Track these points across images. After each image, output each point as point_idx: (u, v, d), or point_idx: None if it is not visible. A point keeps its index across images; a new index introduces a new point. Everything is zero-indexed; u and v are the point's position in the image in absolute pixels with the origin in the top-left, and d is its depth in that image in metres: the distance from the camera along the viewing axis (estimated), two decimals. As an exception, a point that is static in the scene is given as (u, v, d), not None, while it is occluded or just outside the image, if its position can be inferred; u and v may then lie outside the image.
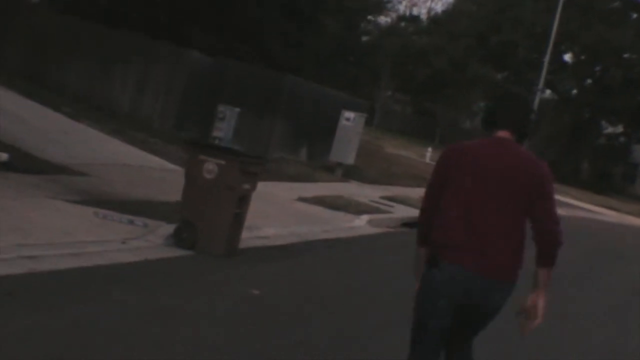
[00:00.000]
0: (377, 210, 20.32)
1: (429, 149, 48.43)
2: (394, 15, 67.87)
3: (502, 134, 5.35)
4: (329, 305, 9.75)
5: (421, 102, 65.25)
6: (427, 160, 45.83)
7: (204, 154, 11.26)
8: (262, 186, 19.88)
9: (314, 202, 19.12)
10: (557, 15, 40.98)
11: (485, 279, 5.18)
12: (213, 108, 23.26)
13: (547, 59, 40.56)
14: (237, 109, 23.40)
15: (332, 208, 18.84)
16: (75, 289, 8.20)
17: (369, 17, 38.84)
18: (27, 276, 8.12)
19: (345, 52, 34.50)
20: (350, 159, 27.37)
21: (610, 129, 67.78)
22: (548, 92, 62.67)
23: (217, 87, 24.73)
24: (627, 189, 62.83)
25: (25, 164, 13.80)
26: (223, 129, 23.14)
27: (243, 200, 11.48)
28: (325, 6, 27.97)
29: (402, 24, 68.19)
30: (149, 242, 11.18)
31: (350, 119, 27.03)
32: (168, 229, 11.59)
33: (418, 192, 25.74)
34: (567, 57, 64.02)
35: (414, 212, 22.54)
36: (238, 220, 11.44)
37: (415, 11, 73.79)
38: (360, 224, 18.12)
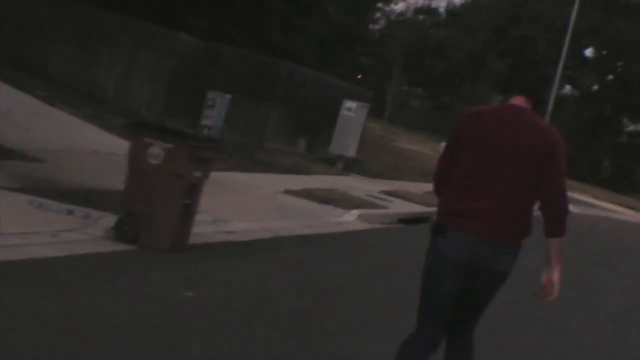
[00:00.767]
0: (372, 205, 19.00)
1: (442, 144, 46.87)
2: (410, 6, 66.57)
3: (518, 100, 5.27)
4: (267, 312, 8.35)
5: (438, 97, 63.73)
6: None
7: (149, 136, 9.91)
8: (247, 177, 18.81)
9: (302, 195, 17.82)
10: (575, 8, 39.36)
11: (489, 243, 5.15)
12: (204, 95, 21.98)
13: (564, 53, 38.94)
14: (228, 96, 22.09)
15: (321, 202, 17.56)
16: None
17: (379, 4, 37.26)
18: None
19: (352, 41, 33.02)
20: (351, 151, 26.01)
21: (632, 127, 66.01)
22: (568, 87, 61.18)
23: (210, 72, 23.43)
24: (648, 188, 61.12)
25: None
26: (212, 117, 21.87)
27: (194, 190, 10.12)
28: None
29: (420, 16, 66.68)
30: (86, 235, 9.88)
31: (351, 109, 25.67)
32: (112, 220, 10.26)
33: (421, 187, 24.46)
34: (588, 52, 62.37)
35: (413, 208, 21.27)
36: (188, 212, 10.10)
37: (433, 4, 72.34)
38: (350, 219, 16.83)
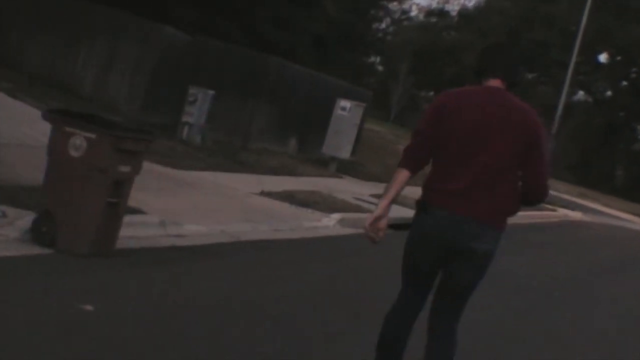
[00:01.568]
0: (357, 209, 17.76)
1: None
2: (422, 9, 65.27)
3: (493, 82, 5.33)
4: (175, 330, 7.08)
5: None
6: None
7: (70, 125, 8.68)
8: (223, 178, 17.58)
9: (279, 197, 16.61)
10: (586, 13, 38.01)
11: (473, 221, 5.19)
12: (187, 90, 20.77)
13: (573, 57, 37.62)
14: (211, 92, 20.90)
15: (300, 204, 16.35)
16: None
17: (382, 2, 35.89)
18: None
19: (353, 40, 31.72)
20: (345, 152, 24.74)
21: (646, 134, 64.64)
22: (581, 93, 59.82)
23: (194, 67, 22.23)
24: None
25: None
26: (194, 114, 20.70)
27: (120, 187, 8.87)
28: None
29: (432, 19, 65.39)
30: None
31: (346, 108, 24.42)
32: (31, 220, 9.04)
33: (420, 192, 23.16)
34: (602, 57, 60.95)
35: (406, 213, 19.99)
36: (113, 212, 8.86)
37: (447, 8, 70.99)
38: (329, 223, 15.63)
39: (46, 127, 9.33)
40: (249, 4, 24.51)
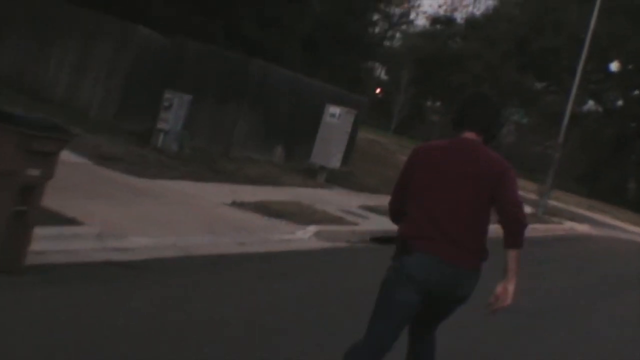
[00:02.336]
0: (339, 222, 16.59)
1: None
2: (426, 16, 64.10)
3: (469, 134, 5.49)
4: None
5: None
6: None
7: (-31, 122, 7.48)
8: (194, 187, 16.37)
9: (252, 208, 15.43)
10: (593, 19, 36.80)
11: (456, 267, 5.34)
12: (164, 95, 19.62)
13: (580, 65, 36.38)
14: (188, 96, 19.72)
15: (273, 216, 15.18)
16: None
17: (378, 5, 34.53)
18: None
19: (346, 43, 30.43)
20: (335, 162, 23.50)
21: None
22: (591, 102, 58.48)
23: (172, 70, 21.07)
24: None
25: None
26: (169, 120, 19.48)
27: (29, 193, 7.67)
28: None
29: (437, 26, 64.11)
30: None
31: (335, 115, 23.19)
32: None
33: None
34: (613, 66, 59.52)
35: (390, 225, 18.82)
36: (21, 223, 7.65)
37: (456, 16, 69.75)
38: (303, 236, 14.48)
39: None
40: (231, 3, 23.23)
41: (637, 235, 38.21)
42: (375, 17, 34.98)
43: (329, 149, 23.21)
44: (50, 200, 8.72)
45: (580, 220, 35.85)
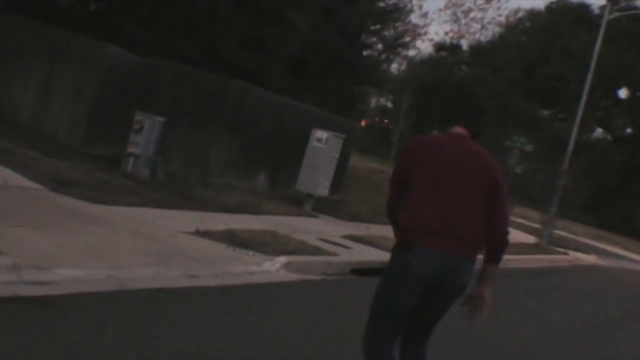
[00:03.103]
0: (315, 252, 15.35)
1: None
2: (432, 44, 62.99)
3: (459, 130, 5.73)
4: None
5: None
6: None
7: None
8: (155, 214, 15.01)
9: (218, 237, 14.19)
10: (598, 44, 35.68)
11: (455, 258, 5.52)
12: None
13: (585, 91, 35.22)
14: (160, 119, 18.50)
15: (241, 246, 13.91)
16: None
17: (372, 27, 33.25)
18: None
19: (339, 66, 29.15)
20: (322, 189, 22.21)
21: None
22: (599, 130, 57.12)
23: (146, 92, 19.84)
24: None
25: None
26: (140, 144, 18.23)
27: None
28: (294, 2, 22.49)
29: (442, 53, 62.92)
30: None
31: (322, 139, 21.91)
32: None
33: (385, 231, 20.56)
34: (622, 93, 58.23)
35: (379, 256, 17.48)
36: None
37: (462, 43, 68.64)
38: (271, 267, 13.25)
39: None
40: (210, 23, 21.97)
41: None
42: (370, 39, 33.76)
43: (316, 175, 21.93)
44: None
45: (587, 251, 34.55)
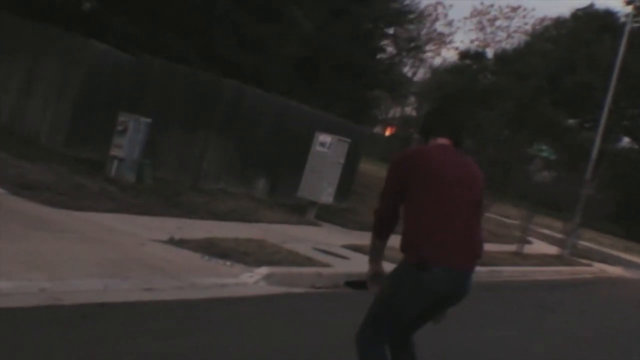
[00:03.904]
0: (305, 263, 14.03)
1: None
2: (458, 52, 61.62)
3: (443, 141, 5.70)
4: None
5: (485, 149, 58.29)
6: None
7: None
8: (127, 221, 13.72)
9: (194, 246, 12.91)
10: (621, 52, 34.23)
11: (469, 273, 5.53)
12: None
13: (608, 100, 33.84)
14: (146, 119, 17.25)
15: (219, 256, 12.57)
16: None
17: (386, 29, 31.83)
18: None
19: (350, 69, 27.78)
20: (326, 196, 20.88)
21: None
22: (626, 140, 55.45)
23: (135, 92, 18.61)
24: None
25: None
26: (124, 146, 16.98)
27: None
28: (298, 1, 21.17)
29: (467, 61, 61.45)
30: None
31: (326, 144, 20.59)
32: None
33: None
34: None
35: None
36: None
37: (487, 51, 67.14)
38: (249, 279, 12.00)
39: None
40: (206, 20, 20.64)
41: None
42: (383, 42, 32.35)
43: (319, 181, 20.61)
44: None
45: (613, 262, 32.99)
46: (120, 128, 16.94)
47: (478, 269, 5.74)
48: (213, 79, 18.82)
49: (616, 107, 44.46)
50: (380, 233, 5.80)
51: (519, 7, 73.81)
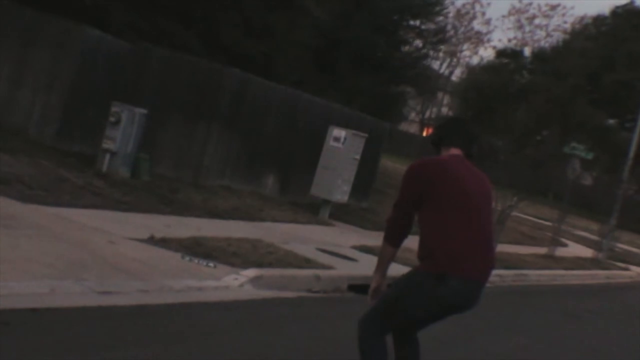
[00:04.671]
0: (303, 265, 12.76)
1: (515, 199, 39.88)
2: (495, 51, 60.11)
3: (454, 151, 5.77)
4: None
5: (521, 149, 56.76)
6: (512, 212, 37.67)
7: None
8: (106, 218, 12.53)
9: (176, 246, 11.71)
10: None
11: (482, 283, 5.52)
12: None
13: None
14: (142, 110, 16.09)
15: (203, 256, 11.38)
16: None
17: (412, 22, 30.39)
18: None
19: (372, 63, 26.41)
20: (340, 194, 19.61)
21: None
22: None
23: (132, 82, 17.44)
24: None
25: None
26: (117, 138, 15.81)
27: None
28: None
29: (503, 59, 59.85)
30: None
31: (340, 138, 19.33)
32: None
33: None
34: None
35: (391, 270, 14.89)
36: None
37: (525, 50, 65.53)
38: (233, 282, 10.87)
39: None
40: (210, 6, 19.35)
41: None
42: (408, 35, 30.91)
43: (333, 179, 19.35)
44: None
45: (655, 266, 31.35)
46: (112, 119, 15.78)
47: (502, 272, 5.68)
48: (215, 67, 17.59)
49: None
50: (393, 241, 5.76)
51: (558, 5, 72.18)
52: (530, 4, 79.48)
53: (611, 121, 57.81)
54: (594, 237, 31.72)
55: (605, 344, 13.39)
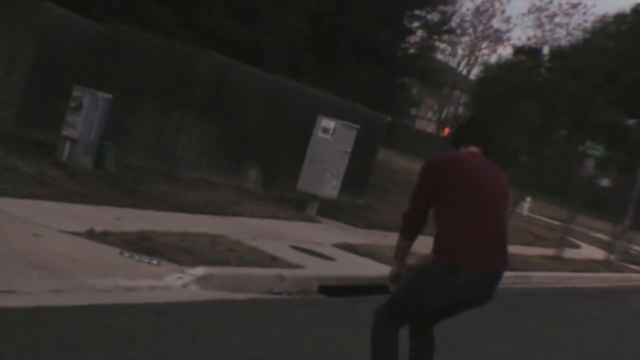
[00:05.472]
0: (267, 264, 11.51)
1: (528, 199, 38.75)
2: (514, 48, 58.71)
3: (473, 149, 5.88)
4: None
5: (538, 149, 55.43)
6: (525, 212, 36.63)
7: None
8: (37, 208, 11.22)
9: (116, 240, 10.54)
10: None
11: (499, 277, 5.61)
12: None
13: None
14: (105, 95, 14.82)
15: (147, 252, 10.13)
16: None
17: (416, 12, 29.04)
18: None
19: (374, 53, 25.05)
20: (329, 189, 18.28)
21: None
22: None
23: (101, 65, 16.20)
24: None
25: None
26: (78, 125, 14.56)
27: None
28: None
29: (521, 57, 58.37)
30: None
31: (329, 130, 18.00)
32: None
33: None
34: None
35: (364, 269, 13.62)
36: None
37: (544, 48, 64.01)
38: (175, 282, 9.70)
39: None
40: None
41: None
42: (412, 25, 29.59)
43: (321, 173, 18.03)
44: None
45: (672, 269, 29.94)
46: (73, 104, 14.54)
47: (504, 273, 5.66)
48: (189, 50, 16.32)
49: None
50: (408, 234, 5.82)
51: (579, 3, 69.89)
52: (551, 2, 77.75)
53: (630, 121, 56.36)
54: (604, 238, 30.55)
55: (600, 350, 12.12)
